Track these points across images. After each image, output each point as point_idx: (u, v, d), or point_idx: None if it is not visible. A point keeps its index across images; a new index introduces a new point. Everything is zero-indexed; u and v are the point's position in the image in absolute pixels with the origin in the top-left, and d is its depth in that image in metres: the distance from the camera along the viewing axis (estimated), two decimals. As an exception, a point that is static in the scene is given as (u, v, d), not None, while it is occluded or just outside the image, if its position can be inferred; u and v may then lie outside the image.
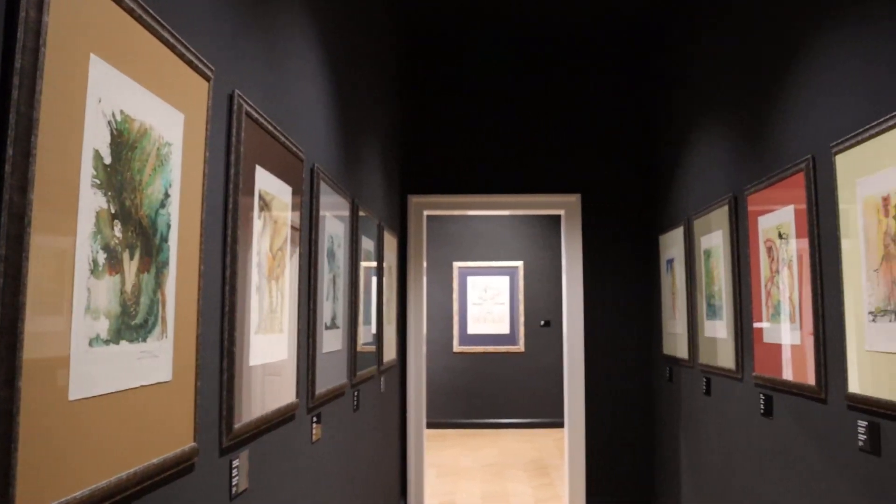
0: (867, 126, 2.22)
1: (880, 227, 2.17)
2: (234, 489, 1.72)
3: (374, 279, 3.87)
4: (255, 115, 1.90)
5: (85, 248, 1.09)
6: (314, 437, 2.55)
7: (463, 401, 9.38)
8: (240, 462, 1.76)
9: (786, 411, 2.86)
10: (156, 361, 1.33)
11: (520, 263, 9.50)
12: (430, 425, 9.19)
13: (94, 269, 1.12)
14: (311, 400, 2.50)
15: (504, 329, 9.47)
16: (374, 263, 3.86)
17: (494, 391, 9.38)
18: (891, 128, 2.11)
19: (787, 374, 2.83)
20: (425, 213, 5.24)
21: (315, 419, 2.56)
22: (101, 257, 1.14)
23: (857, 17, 2.34)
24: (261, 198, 1.96)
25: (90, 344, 1.11)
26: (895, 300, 2.10)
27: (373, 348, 3.81)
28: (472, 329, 9.47)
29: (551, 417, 9.21)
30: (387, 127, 4.42)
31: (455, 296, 9.50)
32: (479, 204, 5.25)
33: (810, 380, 2.63)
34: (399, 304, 4.93)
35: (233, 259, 1.72)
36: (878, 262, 2.18)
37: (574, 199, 5.15)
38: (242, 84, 1.85)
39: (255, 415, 1.90)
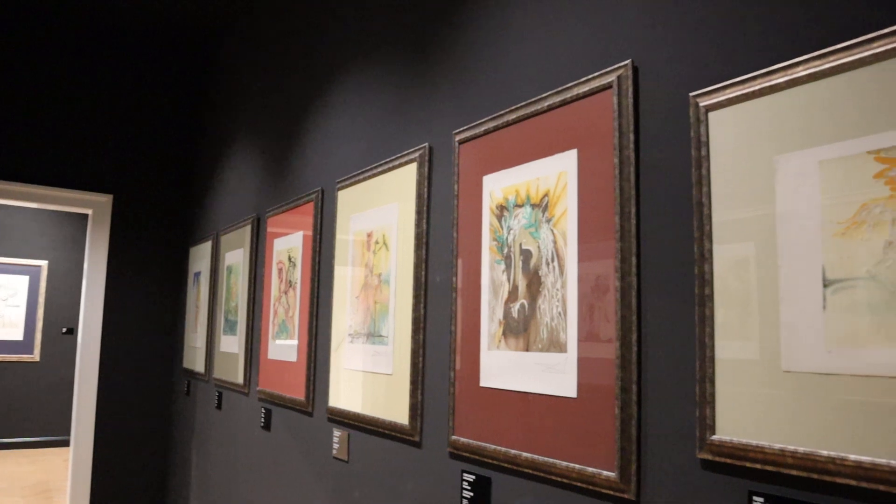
0: (362, 169, 2.51)
1: (364, 259, 2.46)
2: None
3: None
4: None
5: None
6: None
7: (-44, 418, 8.00)
8: None
9: (282, 424, 3.03)
10: None
11: (44, 263, 8.50)
12: None
13: None
14: None
15: (17, 335, 8.34)
16: None
17: (-1, 406, 8.19)
18: (374, 175, 2.41)
19: (285, 390, 3.01)
20: (-87, 194, 4.36)
21: None
22: None
23: (357, 76, 2.64)
24: None
25: None
26: (367, 324, 2.39)
27: None
28: (-23, 334, 8.16)
29: (67, 434, 8.38)
30: None
31: (-42, 294, 8.09)
32: (-11, 191, 4.55)
33: (301, 395, 2.84)
34: None
35: None
36: (359, 290, 2.47)
37: (105, 200, 4.80)
38: None
39: None
